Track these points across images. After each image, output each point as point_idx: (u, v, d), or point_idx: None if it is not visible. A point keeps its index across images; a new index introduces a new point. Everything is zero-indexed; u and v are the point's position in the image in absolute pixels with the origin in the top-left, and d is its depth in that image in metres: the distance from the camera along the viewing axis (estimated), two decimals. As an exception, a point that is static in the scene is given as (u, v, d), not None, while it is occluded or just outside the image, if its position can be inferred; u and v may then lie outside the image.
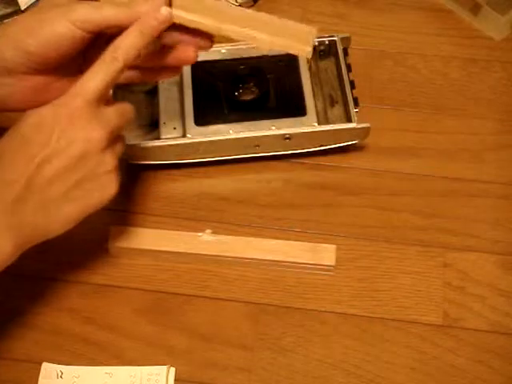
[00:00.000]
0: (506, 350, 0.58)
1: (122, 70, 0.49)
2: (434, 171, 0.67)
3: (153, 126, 0.67)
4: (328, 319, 0.59)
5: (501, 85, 0.73)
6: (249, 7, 0.79)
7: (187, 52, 0.53)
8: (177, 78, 0.69)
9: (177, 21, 0.51)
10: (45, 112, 0.48)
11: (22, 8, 0.75)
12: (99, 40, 0.52)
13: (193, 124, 0.65)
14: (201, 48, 0.54)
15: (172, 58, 0.53)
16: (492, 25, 0.76)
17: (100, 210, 0.63)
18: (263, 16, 0.52)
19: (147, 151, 0.64)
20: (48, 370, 0.56)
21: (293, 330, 0.59)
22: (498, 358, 0.57)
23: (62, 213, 0.49)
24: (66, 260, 0.62)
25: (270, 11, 0.77)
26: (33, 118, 0.48)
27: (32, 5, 0.75)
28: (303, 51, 0.53)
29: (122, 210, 0.64)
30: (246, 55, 0.69)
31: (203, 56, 0.69)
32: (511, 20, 0.75)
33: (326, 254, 0.61)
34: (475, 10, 0.76)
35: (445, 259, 0.62)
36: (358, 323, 0.59)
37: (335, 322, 0.59)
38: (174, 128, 0.66)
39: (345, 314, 0.59)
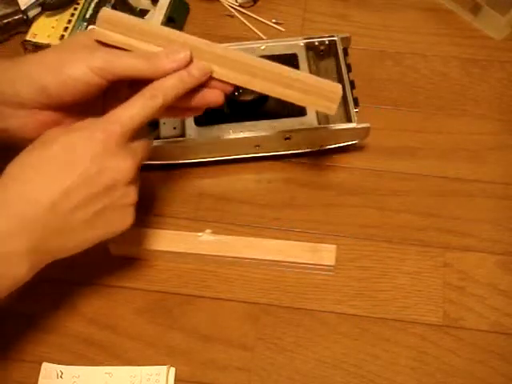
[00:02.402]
0: (506, 349, 0.57)
1: (159, 109, 0.49)
2: (433, 171, 0.67)
3: (153, 126, 0.67)
4: (328, 319, 0.59)
5: (501, 85, 0.73)
6: (248, 7, 0.79)
7: (216, 96, 0.53)
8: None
9: (215, 76, 0.52)
10: (78, 135, 0.48)
11: (22, 8, 0.75)
12: (119, 84, 0.52)
13: (193, 124, 0.65)
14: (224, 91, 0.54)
15: (199, 100, 0.53)
16: (492, 25, 0.76)
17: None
18: (291, 72, 0.54)
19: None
20: (48, 370, 0.56)
21: (293, 330, 0.59)
22: (498, 358, 0.57)
23: (79, 238, 0.49)
24: (67, 260, 0.61)
25: (270, 11, 0.79)
26: (65, 138, 0.48)
27: (32, 5, 0.75)
28: (329, 109, 0.54)
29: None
30: (245, 55, 0.69)
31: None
32: (511, 20, 0.75)
33: (326, 253, 0.61)
34: (475, 10, 0.76)
35: (445, 259, 0.62)
36: (358, 323, 0.59)
37: (335, 321, 0.59)
38: (174, 128, 0.66)
39: (345, 314, 0.59)
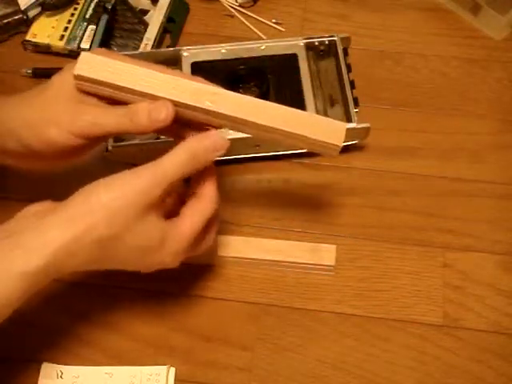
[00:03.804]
0: (506, 349, 0.58)
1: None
2: (433, 171, 0.67)
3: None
4: (328, 319, 0.59)
5: (501, 85, 0.73)
6: (248, 7, 0.79)
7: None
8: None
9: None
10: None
11: (22, 8, 0.75)
12: None
13: (193, 124, 0.65)
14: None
15: None
16: (492, 25, 0.75)
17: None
18: (294, 112, 0.51)
19: (147, 151, 0.64)
20: (48, 370, 0.56)
21: (293, 330, 0.59)
22: (498, 357, 0.57)
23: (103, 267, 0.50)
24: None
25: (270, 11, 0.79)
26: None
27: (32, 5, 0.75)
28: (333, 149, 0.51)
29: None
30: (245, 55, 0.69)
31: (203, 56, 0.69)
32: (511, 20, 0.75)
33: (326, 253, 0.61)
34: (475, 10, 0.76)
35: (445, 259, 0.62)
36: (358, 323, 0.59)
37: (335, 321, 0.59)
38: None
39: (345, 314, 0.59)
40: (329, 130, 0.51)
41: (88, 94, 0.51)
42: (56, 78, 0.52)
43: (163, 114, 0.49)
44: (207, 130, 0.51)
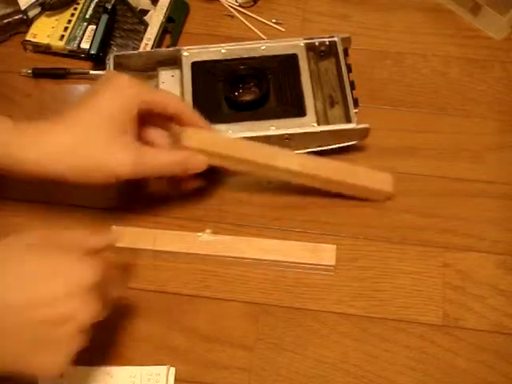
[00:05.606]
0: (506, 349, 0.57)
1: None
2: (433, 171, 0.67)
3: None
4: (328, 319, 0.59)
5: (501, 85, 0.73)
6: (248, 7, 0.79)
7: None
8: (177, 77, 0.69)
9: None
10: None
11: (22, 8, 0.75)
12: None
13: (193, 124, 0.65)
14: None
15: None
16: (492, 25, 0.75)
17: (101, 210, 0.64)
18: (346, 166, 0.63)
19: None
20: (48, 370, 0.56)
21: (293, 330, 0.59)
22: (498, 358, 0.57)
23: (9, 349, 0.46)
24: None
25: (270, 11, 0.79)
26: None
27: (32, 5, 0.75)
28: (385, 194, 0.64)
29: (123, 210, 0.64)
30: (245, 55, 0.69)
31: (203, 56, 0.69)
32: (511, 20, 0.75)
33: (326, 253, 0.61)
34: (475, 9, 0.76)
35: (445, 259, 0.62)
36: (358, 323, 0.59)
37: (335, 322, 0.59)
38: (174, 128, 0.66)
39: (345, 313, 0.59)
40: (380, 180, 0.63)
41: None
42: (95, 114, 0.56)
43: (200, 163, 0.59)
44: None
